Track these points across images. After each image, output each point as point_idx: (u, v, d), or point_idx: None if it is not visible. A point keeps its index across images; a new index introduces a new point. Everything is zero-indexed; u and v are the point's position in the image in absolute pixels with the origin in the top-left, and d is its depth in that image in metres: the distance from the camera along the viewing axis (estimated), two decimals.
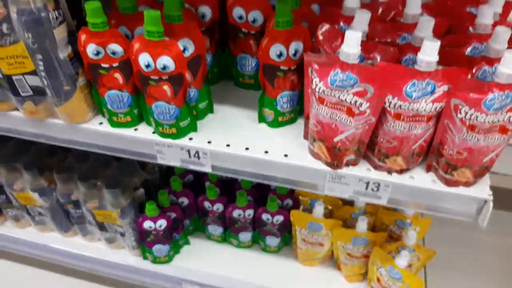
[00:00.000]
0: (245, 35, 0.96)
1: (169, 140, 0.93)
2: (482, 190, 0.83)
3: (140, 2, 0.91)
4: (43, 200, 1.35)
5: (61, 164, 1.31)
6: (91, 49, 0.82)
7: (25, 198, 1.37)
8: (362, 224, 1.18)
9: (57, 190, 1.31)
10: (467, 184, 0.83)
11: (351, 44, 0.70)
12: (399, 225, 1.26)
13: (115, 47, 0.82)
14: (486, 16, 0.79)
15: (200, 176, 1.39)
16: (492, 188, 0.83)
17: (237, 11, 0.92)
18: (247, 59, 1.00)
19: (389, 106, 0.76)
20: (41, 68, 0.86)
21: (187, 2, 0.91)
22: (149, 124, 0.95)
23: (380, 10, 0.88)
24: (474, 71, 0.76)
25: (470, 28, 0.84)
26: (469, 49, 0.81)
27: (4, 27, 0.81)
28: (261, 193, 1.32)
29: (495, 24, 0.84)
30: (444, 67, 0.74)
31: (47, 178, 1.32)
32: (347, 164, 0.87)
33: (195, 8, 0.92)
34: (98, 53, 0.83)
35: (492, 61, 0.75)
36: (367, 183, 0.87)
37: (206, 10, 0.92)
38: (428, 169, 0.87)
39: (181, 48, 0.82)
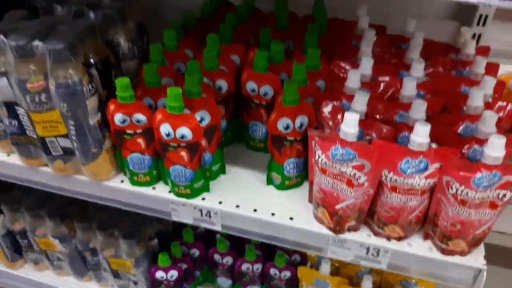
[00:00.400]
0: (257, 105, 1.05)
1: (184, 200, 1.00)
2: (477, 259, 0.87)
3: (164, 75, 1.01)
4: (62, 247, 1.42)
5: (82, 213, 1.40)
6: (118, 118, 0.92)
7: (46, 243, 1.45)
8: (367, 283, 1.21)
9: (77, 237, 1.39)
10: (462, 253, 0.87)
11: (350, 125, 0.78)
12: (405, 285, 1.28)
13: (140, 117, 0.92)
14: (475, 99, 0.86)
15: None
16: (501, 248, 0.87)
17: (250, 85, 1.01)
18: (258, 126, 1.09)
19: (385, 179, 0.82)
20: (73, 132, 0.96)
21: (206, 76, 1.01)
22: (166, 183, 1.03)
23: (380, 87, 0.96)
24: (465, 149, 0.83)
25: (464, 107, 0.91)
26: (461, 128, 0.87)
27: (43, 97, 0.92)
28: (270, 247, 1.37)
29: (487, 105, 0.91)
30: (436, 146, 0.81)
31: (67, 225, 1.40)
32: (349, 230, 0.93)
33: (213, 81, 1.02)
34: (124, 121, 0.93)
35: (482, 141, 0.81)
36: (368, 248, 0.92)
37: (222, 84, 1.02)
38: (426, 237, 0.91)
39: (198, 119, 0.91)
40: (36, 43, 0.88)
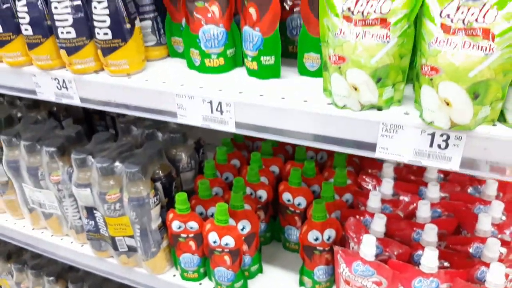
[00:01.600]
0: (292, 212, 1.21)
1: None
2: None
3: (214, 185, 1.21)
4: None
5: None
6: (175, 225, 1.11)
7: None
8: None
9: None
10: None
11: (368, 246, 0.92)
12: None
13: (193, 224, 1.10)
14: (484, 224, 0.97)
15: None
16: None
17: (286, 196, 1.18)
18: (293, 230, 1.24)
19: None
20: (138, 234, 1.15)
21: (248, 187, 1.19)
22: (210, 280, 1.19)
23: (401, 204, 1.10)
24: (474, 269, 0.93)
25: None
26: (473, 248, 0.98)
27: (117, 206, 1.13)
28: None
29: (498, 226, 1.02)
30: (446, 268, 0.92)
31: None
32: None
33: (254, 191, 1.20)
34: (179, 227, 1.11)
35: (488, 264, 0.91)
36: None
37: (263, 194, 1.20)
38: None
39: (240, 228, 1.08)
40: (117, 164, 1.11)
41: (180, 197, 1.08)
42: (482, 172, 0.68)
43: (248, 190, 1.21)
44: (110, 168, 1.10)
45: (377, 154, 0.73)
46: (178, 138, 1.23)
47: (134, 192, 1.09)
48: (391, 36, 0.64)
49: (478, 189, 1.17)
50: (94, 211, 1.20)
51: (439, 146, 0.69)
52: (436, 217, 1.07)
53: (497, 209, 1.01)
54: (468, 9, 0.58)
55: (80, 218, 1.29)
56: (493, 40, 0.57)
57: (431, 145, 0.69)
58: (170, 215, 1.12)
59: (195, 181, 1.25)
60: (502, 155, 0.67)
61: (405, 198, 1.11)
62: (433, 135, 0.68)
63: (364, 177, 1.21)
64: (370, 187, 1.20)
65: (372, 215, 1.06)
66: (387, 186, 1.10)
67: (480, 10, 0.57)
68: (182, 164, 1.25)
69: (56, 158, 1.22)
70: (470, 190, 1.16)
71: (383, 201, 1.09)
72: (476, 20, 0.58)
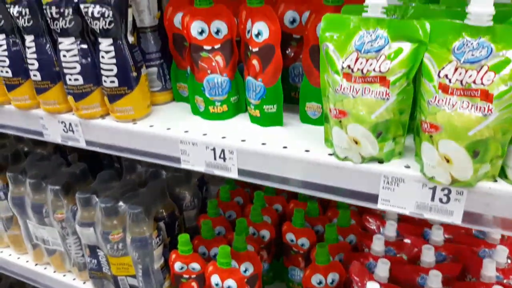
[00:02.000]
0: (295, 252, 1.20)
1: None
2: None
3: (217, 224, 1.21)
4: None
5: None
6: (177, 265, 1.11)
7: None
8: None
9: None
10: None
11: None
12: None
13: (195, 265, 1.10)
14: (488, 269, 0.96)
15: None
16: None
17: (289, 236, 1.18)
18: (296, 271, 1.23)
19: None
20: (140, 274, 1.15)
21: (251, 226, 1.19)
22: None
23: (406, 247, 1.09)
24: None
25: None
26: None
27: (120, 245, 1.13)
28: None
29: (503, 271, 1.00)
30: None
31: None
32: None
33: (257, 231, 1.20)
34: (182, 268, 1.11)
35: None
36: None
37: (266, 233, 1.20)
38: None
39: (243, 269, 1.08)
40: (120, 204, 1.12)
41: (183, 238, 1.08)
42: (484, 226, 0.68)
43: (251, 230, 1.20)
44: (114, 208, 1.11)
45: (379, 206, 0.73)
46: (182, 177, 1.24)
47: (137, 232, 1.09)
48: (390, 93, 0.65)
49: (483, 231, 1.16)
50: (97, 250, 1.20)
51: (440, 200, 0.69)
52: (441, 260, 1.06)
53: (502, 254, 1.00)
54: (466, 71, 0.59)
55: (83, 256, 1.29)
56: (491, 101, 0.58)
57: (432, 199, 0.69)
58: (173, 256, 1.12)
59: (199, 220, 1.25)
60: (503, 210, 0.67)
61: (409, 241, 1.10)
62: (434, 189, 0.68)
63: (368, 217, 1.20)
64: (374, 227, 1.19)
65: (376, 258, 1.05)
66: (391, 229, 1.09)
67: (478, 72, 0.59)
68: (185, 203, 1.25)
69: (60, 196, 1.23)
70: (475, 231, 1.15)
71: (387, 243, 1.09)
72: (474, 81, 0.59)
